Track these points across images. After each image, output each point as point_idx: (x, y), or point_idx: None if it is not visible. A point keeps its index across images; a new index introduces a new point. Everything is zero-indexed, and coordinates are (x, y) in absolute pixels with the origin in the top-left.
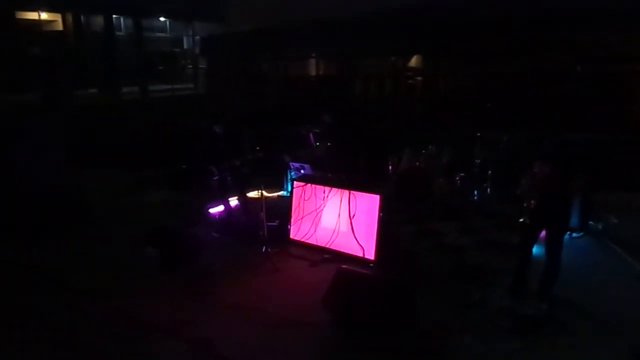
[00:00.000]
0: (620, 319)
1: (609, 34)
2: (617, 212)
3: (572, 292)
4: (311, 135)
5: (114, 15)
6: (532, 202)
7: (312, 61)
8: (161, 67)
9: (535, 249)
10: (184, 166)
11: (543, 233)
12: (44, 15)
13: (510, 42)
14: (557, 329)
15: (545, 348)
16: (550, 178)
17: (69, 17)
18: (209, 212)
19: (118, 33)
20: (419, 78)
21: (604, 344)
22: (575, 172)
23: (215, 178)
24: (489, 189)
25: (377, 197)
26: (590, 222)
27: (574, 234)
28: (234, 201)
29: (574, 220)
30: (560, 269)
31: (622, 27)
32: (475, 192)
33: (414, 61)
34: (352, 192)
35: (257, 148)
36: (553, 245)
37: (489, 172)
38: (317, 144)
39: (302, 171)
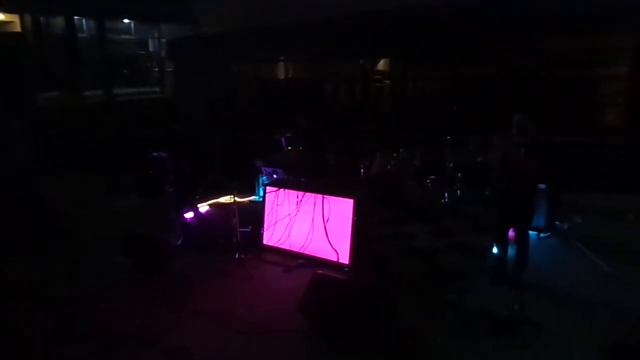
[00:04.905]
0: (590, 319)
1: (573, 39)
2: (581, 213)
3: (543, 292)
4: (283, 139)
5: (75, 17)
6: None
7: (282, 64)
8: (125, 70)
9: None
10: (151, 172)
11: (511, 233)
12: (1, 17)
13: (477, 46)
14: (530, 329)
15: (519, 349)
16: (524, 160)
17: (28, 18)
18: (181, 219)
19: (80, 34)
20: (387, 81)
21: (576, 343)
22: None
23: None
24: (459, 192)
25: (351, 201)
26: (557, 222)
27: (542, 234)
28: (204, 207)
29: (541, 221)
30: (528, 258)
31: (587, 32)
32: (446, 195)
33: (382, 64)
34: (325, 196)
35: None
36: (522, 238)
37: (459, 174)
38: (289, 147)
39: (274, 176)
